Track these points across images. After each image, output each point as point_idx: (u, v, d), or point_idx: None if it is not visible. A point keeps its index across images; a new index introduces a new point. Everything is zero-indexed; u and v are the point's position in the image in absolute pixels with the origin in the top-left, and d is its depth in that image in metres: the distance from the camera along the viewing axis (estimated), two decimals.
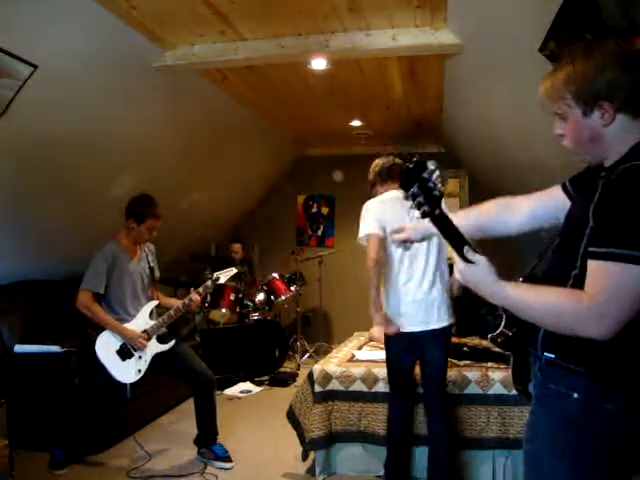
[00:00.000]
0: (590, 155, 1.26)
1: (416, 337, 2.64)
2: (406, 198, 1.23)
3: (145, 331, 3.13)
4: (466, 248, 1.23)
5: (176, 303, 3.24)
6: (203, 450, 3.27)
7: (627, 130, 1.18)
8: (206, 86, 3.91)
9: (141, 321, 3.16)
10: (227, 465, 3.18)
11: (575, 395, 1.17)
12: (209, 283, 3.26)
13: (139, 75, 3.39)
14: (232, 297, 5.22)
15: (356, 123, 5.43)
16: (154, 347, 3.16)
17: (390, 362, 2.78)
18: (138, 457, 3.27)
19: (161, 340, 3.21)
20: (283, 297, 5.47)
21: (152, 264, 3.34)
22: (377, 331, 2.89)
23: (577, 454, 1.17)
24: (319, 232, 6.85)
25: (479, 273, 1.23)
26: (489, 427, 2.85)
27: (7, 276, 3.81)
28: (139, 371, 3.09)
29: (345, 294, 6.57)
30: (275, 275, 5.57)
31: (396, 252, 2.66)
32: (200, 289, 3.24)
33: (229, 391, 4.74)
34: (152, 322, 3.18)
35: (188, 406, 3.62)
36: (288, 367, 5.58)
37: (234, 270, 3.43)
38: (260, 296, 5.48)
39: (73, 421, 3.15)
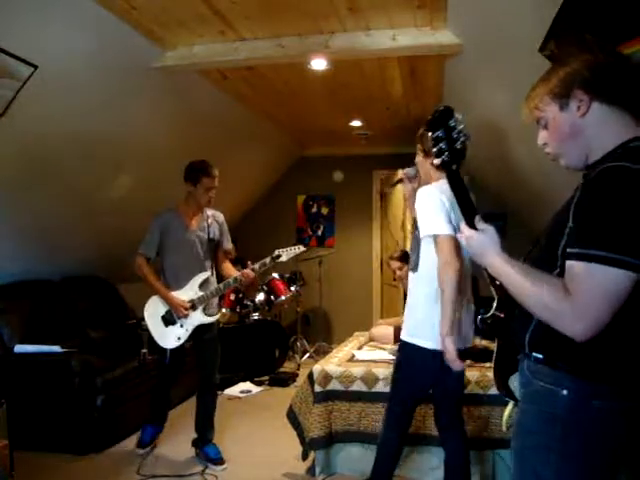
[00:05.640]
0: (574, 155, 1.26)
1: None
2: (431, 139, 1.29)
3: (192, 301, 3.09)
4: (477, 217, 1.27)
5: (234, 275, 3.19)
6: (198, 451, 3.27)
7: (605, 121, 1.20)
8: (206, 86, 3.91)
9: (190, 291, 3.12)
10: (218, 468, 3.12)
11: (564, 392, 1.17)
12: (267, 260, 3.14)
13: (139, 75, 3.39)
14: (232, 297, 5.22)
15: (356, 123, 5.43)
16: (199, 317, 3.12)
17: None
18: (139, 456, 3.28)
19: (208, 313, 3.17)
20: (283, 297, 5.47)
21: (214, 234, 3.23)
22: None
23: (564, 451, 1.17)
24: (319, 232, 6.85)
25: (485, 241, 1.25)
26: (489, 427, 2.86)
27: (7, 276, 3.81)
28: (178, 338, 3.10)
29: (345, 294, 6.57)
30: (275, 275, 5.57)
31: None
32: (256, 265, 3.12)
33: (229, 391, 4.74)
34: (201, 293, 3.12)
35: (190, 406, 3.62)
36: (288, 367, 5.58)
37: (301, 248, 3.27)
38: (260, 296, 5.48)
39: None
